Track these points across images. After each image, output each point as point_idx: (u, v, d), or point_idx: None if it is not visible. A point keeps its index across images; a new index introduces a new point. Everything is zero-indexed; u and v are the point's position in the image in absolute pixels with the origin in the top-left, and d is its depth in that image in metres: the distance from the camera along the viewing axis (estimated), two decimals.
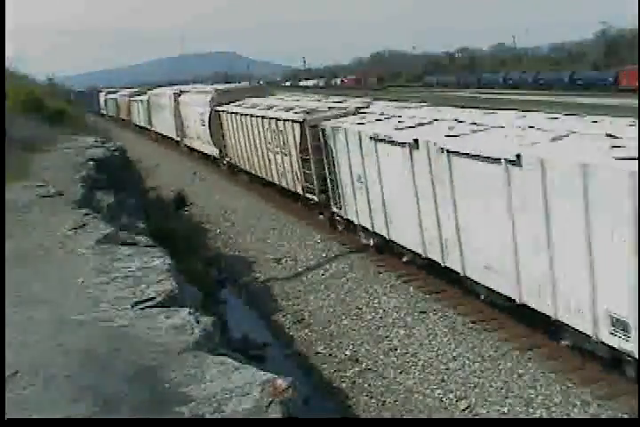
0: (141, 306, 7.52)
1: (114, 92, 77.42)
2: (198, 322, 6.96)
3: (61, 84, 76.78)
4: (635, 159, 7.64)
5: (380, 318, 12.59)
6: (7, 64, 32.46)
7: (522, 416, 8.76)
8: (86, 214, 11.79)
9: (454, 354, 10.64)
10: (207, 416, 5.13)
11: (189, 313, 7.20)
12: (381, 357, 11.16)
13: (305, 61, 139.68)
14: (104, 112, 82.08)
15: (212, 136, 29.38)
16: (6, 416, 5.11)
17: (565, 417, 8.56)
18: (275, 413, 5.17)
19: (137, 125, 58.10)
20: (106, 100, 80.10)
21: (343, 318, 13.01)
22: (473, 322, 11.54)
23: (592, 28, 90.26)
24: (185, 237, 17.07)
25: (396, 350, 11.26)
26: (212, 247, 19.49)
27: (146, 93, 52.45)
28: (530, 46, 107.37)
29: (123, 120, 66.79)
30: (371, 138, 13.60)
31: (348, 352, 11.62)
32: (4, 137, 16.79)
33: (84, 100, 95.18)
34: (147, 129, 52.69)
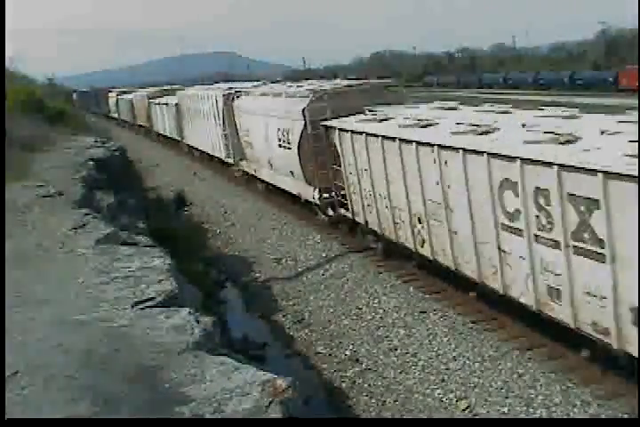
0: (141, 306, 7.54)
1: (128, 92, 64.73)
2: (198, 322, 6.98)
3: (61, 85, 76.79)
4: None
5: (380, 318, 12.58)
6: (7, 64, 32.46)
7: (522, 416, 8.76)
8: (86, 214, 11.82)
9: (454, 354, 10.64)
10: (207, 416, 5.14)
11: (189, 313, 7.22)
12: (381, 357, 11.16)
13: (305, 61, 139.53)
14: (114, 115, 70.31)
15: (303, 168, 17.70)
16: (6, 416, 5.12)
17: (565, 417, 8.56)
18: (275, 413, 5.17)
19: (161, 135, 45.61)
20: (117, 102, 67.11)
21: (343, 318, 13.01)
22: (473, 322, 11.53)
23: (592, 28, 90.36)
24: (185, 237, 17.08)
25: (396, 349, 11.26)
26: (212, 247, 19.49)
27: (174, 94, 39.82)
28: (530, 46, 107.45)
29: (140, 126, 54.56)
30: None
31: (348, 352, 11.61)
32: (4, 137, 16.80)
33: (88, 100, 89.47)
34: (176, 141, 40.22)
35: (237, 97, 24.87)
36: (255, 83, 30.43)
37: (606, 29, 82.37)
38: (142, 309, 7.47)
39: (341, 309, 13.42)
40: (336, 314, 13.26)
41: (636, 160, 7.64)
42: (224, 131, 26.37)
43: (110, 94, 73.69)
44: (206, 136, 30.23)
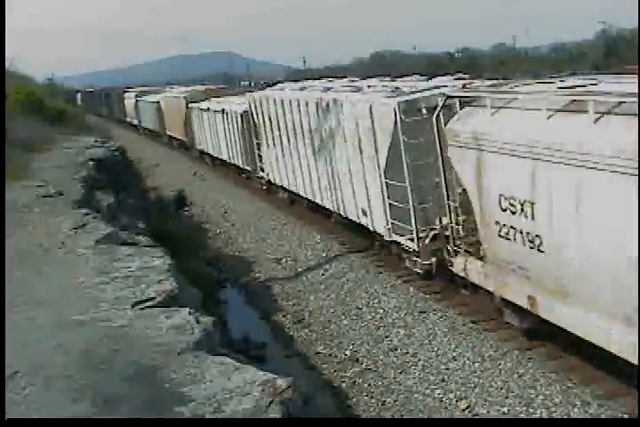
0: (141, 306, 7.54)
1: (151, 93, 52.03)
2: (198, 322, 6.98)
3: (61, 85, 76.49)
4: None
5: (380, 318, 12.58)
6: (7, 64, 32.49)
7: (522, 416, 8.76)
8: (86, 214, 11.82)
9: (454, 354, 10.64)
10: (207, 416, 5.14)
11: (189, 313, 7.22)
12: (381, 357, 11.16)
13: (305, 61, 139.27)
14: (133, 122, 56.92)
15: None
16: (6, 416, 5.12)
17: (565, 417, 8.56)
18: (275, 413, 5.17)
19: (209, 155, 32.05)
20: (137, 105, 53.27)
21: (343, 318, 13.01)
22: (473, 322, 11.53)
23: (592, 28, 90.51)
24: (185, 237, 17.09)
25: (396, 349, 11.26)
26: (212, 247, 19.49)
27: (230, 96, 29.49)
28: (530, 46, 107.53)
29: (171, 138, 41.39)
30: None
31: (348, 352, 11.61)
32: (4, 137, 16.81)
33: (96, 102, 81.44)
34: (242, 170, 26.22)
35: (458, 110, 10.82)
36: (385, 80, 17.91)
37: (606, 29, 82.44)
38: (142, 309, 7.47)
39: (341, 309, 13.42)
40: (336, 314, 13.26)
41: None
42: (392, 181, 12.93)
43: (126, 95, 60.25)
44: (328, 180, 16.47)
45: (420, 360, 10.74)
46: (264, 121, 20.94)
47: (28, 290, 8.20)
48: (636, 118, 7.33)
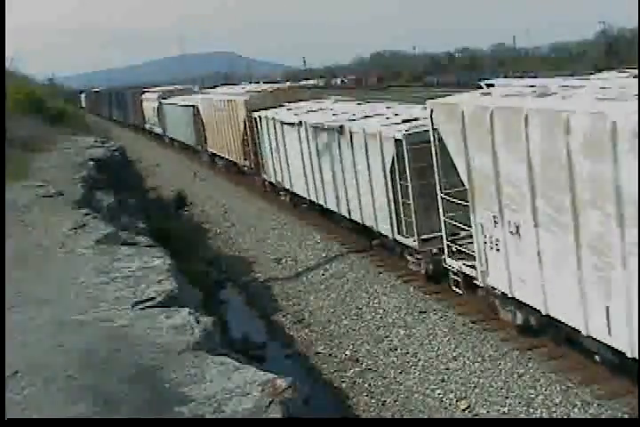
0: (141, 306, 7.55)
1: (179, 94, 42.34)
2: (198, 322, 6.98)
3: (61, 85, 76.20)
4: None
5: (380, 318, 12.58)
6: (7, 64, 32.46)
7: (522, 416, 8.76)
8: (86, 214, 11.83)
9: (454, 354, 10.64)
10: (207, 416, 5.14)
11: (189, 313, 7.23)
12: (381, 357, 11.16)
13: (305, 61, 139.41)
14: (156, 130, 45.74)
15: None
16: (6, 416, 5.12)
17: (565, 417, 8.56)
18: (275, 413, 5.17)
19: (286, 191, 20.92)
20: (160, 109, 42.65)
21: (343, 318, 13.01)
22: (473, 322, 11.53)
23: (592, 28, 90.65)
24: (185, 238, 17.09)
25: (397, 349, 11.26)
26: (212, 247, 19.49)
27: (317, 101, 21.65)
28: (530, 46, 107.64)
29: (214, 156, 31.08)
30: None
31: (348, 352, 11.62)
32: (4, 137, 16.82)
33: (103, 103, 75.72)
34: (373, 235, 14.82)
35: None
36: None
37: (606, 29, 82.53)
38: (142, 309, 7.48)
39: (341, 309, 13.42)
40: (336, 314, 13.26)
41: None
42: None
43: (146, 96, 48.77)
44: None
45: (420, 360, 10.74)
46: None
47: (29, 290, 8.20)
48: None
